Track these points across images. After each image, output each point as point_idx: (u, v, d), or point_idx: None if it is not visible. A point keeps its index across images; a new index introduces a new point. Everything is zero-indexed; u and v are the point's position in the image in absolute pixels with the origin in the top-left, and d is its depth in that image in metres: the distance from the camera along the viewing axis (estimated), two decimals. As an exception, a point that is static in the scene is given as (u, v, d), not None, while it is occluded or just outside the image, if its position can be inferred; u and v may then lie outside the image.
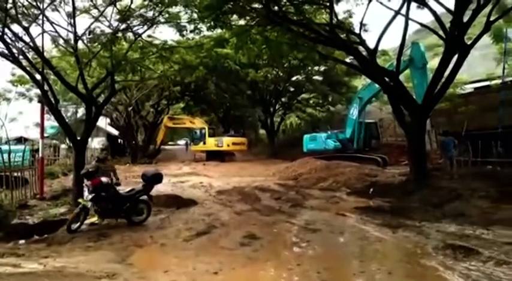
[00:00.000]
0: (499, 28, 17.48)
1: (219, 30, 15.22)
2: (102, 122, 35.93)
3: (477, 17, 11.35)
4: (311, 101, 34.40)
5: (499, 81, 15.53)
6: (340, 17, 14.73)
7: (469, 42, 11.52)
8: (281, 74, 30.01)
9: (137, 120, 32.75)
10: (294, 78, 31.08)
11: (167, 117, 32.48)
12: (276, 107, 34.45)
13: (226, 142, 28.73)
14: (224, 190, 13.68)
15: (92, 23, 11.21)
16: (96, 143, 33.67)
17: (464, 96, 15.79)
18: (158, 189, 10.61)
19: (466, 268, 5.19)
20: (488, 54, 20.46)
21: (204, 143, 29.97)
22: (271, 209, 10.20)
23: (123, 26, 11.51)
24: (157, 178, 8.99)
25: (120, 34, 11.67)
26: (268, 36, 14.32)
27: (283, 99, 34.48)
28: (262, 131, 39.42)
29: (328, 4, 13.02)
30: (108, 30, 11.46)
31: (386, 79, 12.96)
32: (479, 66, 20.51)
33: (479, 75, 19.36)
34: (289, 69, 28.78)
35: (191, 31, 13.20)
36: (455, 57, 11.59)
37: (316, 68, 29.79)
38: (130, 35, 12.41)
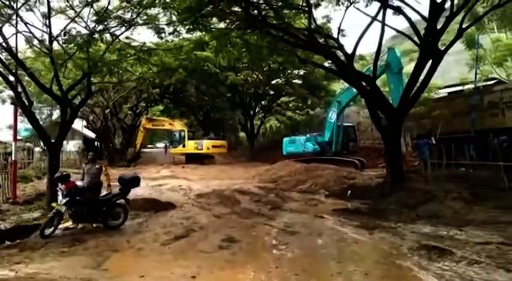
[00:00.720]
0: (471, 35, 18.15)
1: (198, 33, 15.16)
2: (78, 124, 35.16)
3: (450, 24, 11.73)
4: (290, 105, 34.69)
5: (471, 86, 16.07)
6: (318, 22, 14.96)
7: (442, 48, 11.89)
8: (261, 78, 30.16)
9: (115, 122, 32.18)
10: (273, 82, 31.28)
11: (146, 119, 32.00)
12: (256, 110, 34.59)
13: (206, 145, 28.62)
14: (203, 193, 13.59)
15: (68, 24, 10.99)
16: (71, 146, 32.90)
17: (438, 101, 16.23)
18: (136, 193, 10.45)
19: (440, 268, 5.33)
20: (461, 60, 21.15)
21: (184, 146, 29.72)
22: (250, 212, 10.20)
23: (100, 27, 11.32)
24: (135, 182, 8.85)
25: (96, 35, 11.45)
26: (248, 39, 14.38)
27: (263, 103, 34.65)
28: (242, 134, 39.44)
29: (306, 9, 13.18)
30: (84, 31, 11.25)
31: (364, 83, 13.20)
32: (452, 72, 21.19)
33: (453, 80, 19.98)
34: (269, 73, 28.98)
35: (170, 33, 13.12)
36: (430, 62, 11.93)
37: (295, 71, 30.11)
38: (107, 36, 12.22)
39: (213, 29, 13.92)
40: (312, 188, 14.60)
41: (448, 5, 11.60)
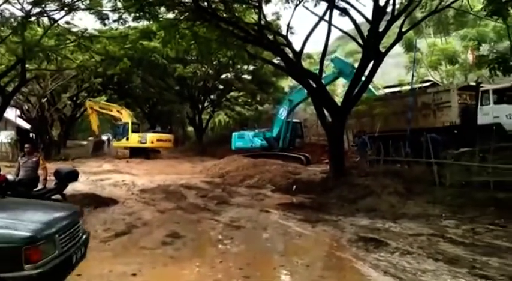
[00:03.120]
0: (410, 39, 19.34)
1: (145, 22, 14.65)
2: (11, 114, 32.46)
3: (391, 27, 12.40)
4: (240, 100, 34.70)
5: (408, 87, 17.12)
6: (268, 19, 15.10)
7: (383, 51, 12.54)
8: (210, 71, 29.81)
9: (52, 113, 30.08)
10: (223, 76, 31.07)
11: (89, 100, 30.26)
12: (205, 104, 34.17)
13: (150, 139, 27.57)
14: (148, 188, 13.19)
15: (0, 5, 10.08)
16: (3, 137, 30.32)
17: (377, 100, 17.11)
18: (75, 188, 9.91)
19: (376, 259, 5.63)
20: (400, 62, 22.51)
21: (127, 139, 28.48)
22: (196, 207, 10.09)
23: (37, 9, 10.52)
24: (72, 176, 8.32)
25: (33, 19, 10.63)
26: (197, 31, 14.13)
27: (212, 97, 34.30)
28: (190, 128, 38.81)
29: (257, 4, 13.24)
30: (19, 14, 10.39)
31: (310, 81, 13.55)
32: (392, 73, 22.48)
33: (392, 81, 21.20)
34: (219, 67, 28.73)
35: (115, 21, 12.57)
36: (371, 63, 12.53)
37: (245, 67, 30.14)
38: (45, 20, 11.38)
39: (161, 19, 13.51)
40: (259, 183, 14.76)
41: (390, 9, 12.26)
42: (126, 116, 29.24)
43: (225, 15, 13.62)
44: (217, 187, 13.94)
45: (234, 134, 24.33)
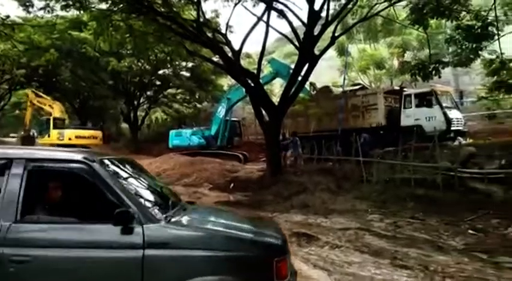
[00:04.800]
0: (342, 43, 20.36)
1: (75, 12, 13.75)
2: None
3: (325, 31, 12.98)
4: (178, 97, 33.96)
5: (340, 89, 18.04)
6: (207, 16, 14.99)
7: (318, 53, 13.08)
8: (147, 67, 28.81)
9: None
10: (160, 72, 30.20)
11: (32, 92, 27.53)
12: (141, 101, 32.92)
13: (68, 135, 25.48)
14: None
15: None
16: None
17: (312, 101, 17.80)
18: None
19: (307, 253, 5.86)
20: (333, 65, 23.63)
21: (49, 136, 26.35)
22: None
23: None
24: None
25: None
26: (133, 25, 13.59)
27: (148, 93, 33.14)
28: (124, 125, 37.15)
29: (195, 0, 13.07)
30: None
31: (249, 81, 13.71)
32: (325, 75, 23.51)
33: (326, 83, 22.15)
34: (156, 62, 27.84)
35: (41, 8, 11.62)
36: (307, 65, 13.02)
37: (183, 63, 29.53)
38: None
39: (93, 9, 12.79)
40: (196, 182, 14.62)
41: (324, 14, 12.81)
42: (57, 111, 27.06)
43: (162, 9, 13.26)
44: (153, 186, 13.53)
45: (171, 132, 23.81)
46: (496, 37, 10.22)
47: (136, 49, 18.83)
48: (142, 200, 3.10)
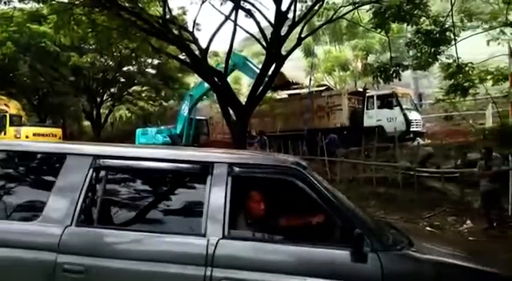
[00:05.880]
0: (309, 45, 20.69)
1: (35, 4, 13.16)
2: None
3: (292, 32, 13.12)
4: (143, 94, 33.12)
5: (306, 90, 18.32)
6: (174, 13, 14.73)
7: (285, 54, 13.20)
8: (110, 63, 27.90)
9: None
10: (125, 69, 29.29)
11: None
12: (104, 98, 31.87)
13: (25, 132, 24.33)
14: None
15: None
16: None
17: (279, 101, 18.00)
18: None
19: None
20: (300, 66, 23.94)
21: (5, 133, 25.03)
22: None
23: None
24: None
25: None
26: (96, 19, 13.13)
27: (112, 90, 32.13)
28: (86, 123, 35.86)
29: (162, -4, 12.83)
30: None
31: (216, 79, 13.61)
32: (292, 76, 23.76)
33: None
34: (120, 59, 27.04)
35: (-3, -1, 10.98)
36: (274, 65, 13.10)
37: (149, 60, 28.88)
38: None
39: (53, 2, 12.25)
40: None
41: (291, 15, 12.93)
42: (13, 108, 25.70)
43: (127, 4, 12.90)
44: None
45: (138, 130, 23.38)
46: (453, 42, 10.73)
47: (99, 44, 18.22)
48: (368, 219, 2.54)
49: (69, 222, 2.45)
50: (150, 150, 3.19)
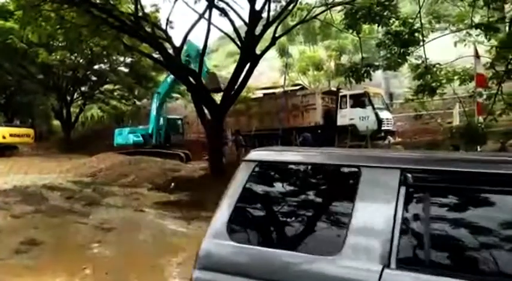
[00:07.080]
0: (283, 44, 20.83)
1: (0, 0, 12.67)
2: None
3: (266, 32, 13.19)
4: (115, 93, 32.40)
5: (281, 89, 18.46)
6: (146, 10, 14.52)
7: (259, 53, 13.25)
8: (81, 61, 27.16)
9: None
10: (96, 67, 28.63)
11: None
12: (74, 97, 31.00)
13: (2, 133, 23.72)
14: (0, 190, 11.42)
15: None
16: None
17: (254, 100, 18.07)
18: None
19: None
20: (274, 66, 24.09)
21: None
22: (59, 209, 9.13)
23: None
24: None
25: None
26: (65, 15, 12.77)
27: (83, 88, 31.26)
28: (56, 122, 34.73)
29: (134, -7, 12.61)
30: None
31: (190, 78, 13.51)
32: (267, 76, 23.91)
33: (267, 83, 22.56)
34: (91, 56, 26.35)
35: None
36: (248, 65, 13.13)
37: (121, 58, 28.29)
38: None
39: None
40: (135, 182, 14.10)
41: (265, 14, 12.99)
42: None
43: (98, 0, 12.61)
44: (87, 186, 12.84)
45: (116, 130, 23.08)
46: (422, 43, 11.08)
47: (68, 42, 17.71)
48: None
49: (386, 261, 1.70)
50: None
